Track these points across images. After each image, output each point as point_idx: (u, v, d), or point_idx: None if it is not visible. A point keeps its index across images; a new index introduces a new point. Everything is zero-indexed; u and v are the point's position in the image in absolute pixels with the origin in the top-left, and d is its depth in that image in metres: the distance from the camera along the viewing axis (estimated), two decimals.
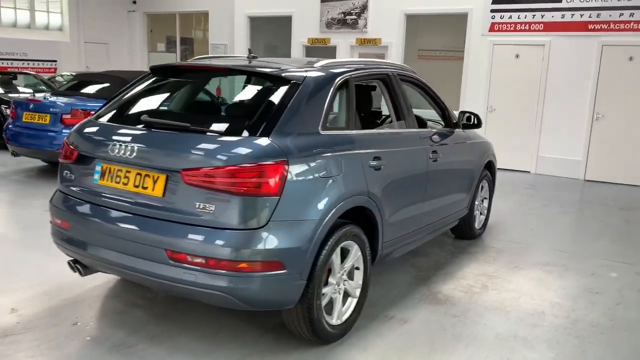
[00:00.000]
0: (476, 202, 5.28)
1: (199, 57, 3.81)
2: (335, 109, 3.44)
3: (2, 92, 10.27)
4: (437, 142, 4.32)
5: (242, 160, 2.64)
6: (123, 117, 3.22)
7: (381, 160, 3.43)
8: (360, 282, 3.37)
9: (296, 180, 2.77)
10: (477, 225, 5.42)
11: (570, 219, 6.52)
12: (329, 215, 2.91)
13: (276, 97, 2.99)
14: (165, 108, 3.24)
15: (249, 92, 3.26)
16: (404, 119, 3.96)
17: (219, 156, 2.67)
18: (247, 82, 3.26)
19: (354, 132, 3.32)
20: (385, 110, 4.27)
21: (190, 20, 16.81)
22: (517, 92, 9.39)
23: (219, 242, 2.63)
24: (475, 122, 4.81)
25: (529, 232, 5.82)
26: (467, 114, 4.78)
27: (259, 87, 3.27)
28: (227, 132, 2.80)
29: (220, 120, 3.03)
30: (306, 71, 3.18)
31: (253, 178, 2.63)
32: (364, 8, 10.59)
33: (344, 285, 3.23)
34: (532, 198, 7.59)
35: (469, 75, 9.83)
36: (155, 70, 3.53)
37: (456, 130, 4.76)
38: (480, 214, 5.52)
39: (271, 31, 12.65)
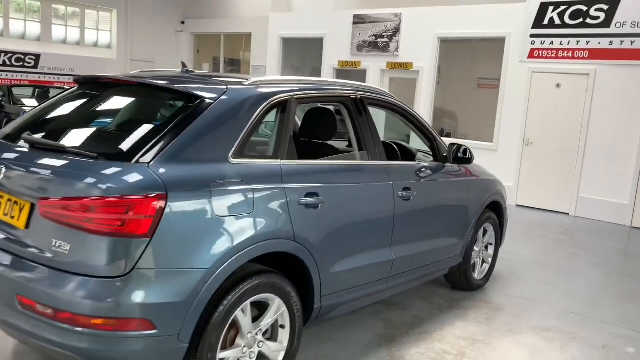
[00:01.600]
0: (476, 249, 4.57)
1: (140, 71, 3.41)
2: (270, 134, 2.92)
3: (37, 104, 10.43)
4: (414, 178, 3.70)
5: (103, 192, 2.16)
6: (17, 134, 2.83)
7: (319, 198, 2.86)
8: (286, 343, 2.80)
9: (178, 219, 2.27)
10: (477, 275, 4.69)
11: (599, 273, 5.63)
12: (227, 264, 2.38)
13: (175, 117, 2.51)
14: (61, 124, 2.84)
15: (149, 109, 2.81)
16: (366, 149, 3.38)
17: (78, 185, 2.21)
18: (154, 98, 2.82)
19: (282, 162, 2.78)
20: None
21: (237, 42, 16.84)
22: (557, 125, 8.51)
23: (71, 290, 2.15)
24: (467, 156, 4.14)
25: (542, 286, 5.00)
26: (457, 147, 4.12)
27: (163, 105, 2.81)
28: (102, 156, 2.34)
29: (106, 141, 2.59)
30: (226, 88, 2.69)
31: (115, 214, 2.14)
32: (396, 31, 10.06)
33: (260, 347, 2.67)
34: (562, 245, 6.70)
35: (504, 105, 9.03)
36: (80, 81, 3.15)
37: (447, 165, 4.11)
38: (483, 262, 4.78)
39: (303, 53, 12.33)
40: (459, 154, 4.15)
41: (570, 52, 8.30)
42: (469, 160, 4.15)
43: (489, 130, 9.25)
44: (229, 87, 2.72)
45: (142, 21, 16.35)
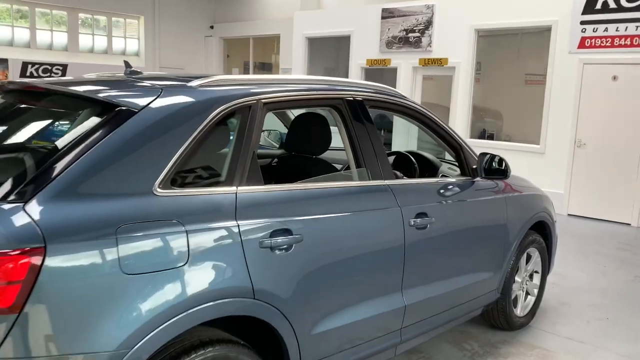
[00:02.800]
0: (517, 279, 3.73)
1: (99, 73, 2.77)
2: (226, 150, 2.21)
3: None
4: (433, 200, 2.91)
5: None
6: None
7: (292, 236, 2.13)
8: None
9: (64, 283, 1.58)
10: (520, 311, 3.84)
11: None
12: (143, 342, 1.68)
13: (78, 135, 1.82)
14: None
15: (50, 125, 2.13)
16: (365, 165, 2.62)
17: None
18: (62, 109, 2.15)
19: (239, 189, 2.06)
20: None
21: (268, 45, 16.28)
22: (614, 124, 7.46)
23: None
24: (501, 167, 3.31)
25: (602, 322, 4.09)
26: (489, 157, 3.29)
27: (69, 118, 2.13)
28: None
29: None
30: (160, 92, 2.00)
31: None
32: (429, 24, 9.19)
33: None
34: (624, 264, 5.70)
35: (552, 102, 8.03)
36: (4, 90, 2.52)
37: (478, 180, 3.29)
38: (527, 294, 3.93)
39: (330, 53, 11.60)
40: (492, 166, 3.32)
41: (629, 39, 7.24)
42: (505, 173, 3.31)
43: (536, 131, 8.26)
44: (164, 90, 2.03)
45: (170, 27, 16.02)
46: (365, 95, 2.76)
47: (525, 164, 7.87)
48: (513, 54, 9.03)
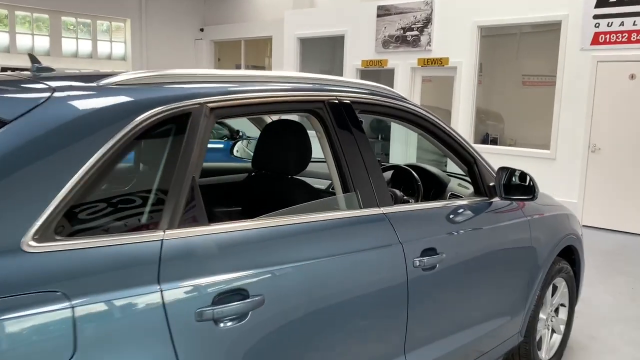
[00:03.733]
0: (542, 316, 3.10)
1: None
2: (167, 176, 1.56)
3: None
4: (443, 230, 2.27)
5: None
6: None
7: (247, 300, 1.49)
8: None
9: None
10: (545, 353, 3.20)
11: None
12: None
13: None
14: None
15: None
16: (354, 188, 1.98)
17: None
18: None
19: (166, 235, 1.42)
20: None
21: (261, 47, 15.66)
22: (633, 126, 6.83)
23: None
24: (527, 184, 2.64)
25: None
26: (509, 172, 2.63)
27: None
28: None
29: None
30: (49, 96, 1.36)
31: None
32: (428, 21, 8.57)
33: None
34: None
35: (563, 104, 7.41)
36: None
37: (495, 200, 2.65)
38: (553, 332, 3.29)
39: (324, 54, 10.98)
40: (513, 181, 2.66)
41: None
42: (532, 193, 2.62)
43: (545, 135, 7.64)
44: (55, 92, 1.39)
45: (159, 30, 15.39)
46: (353, 96, 2.12)
47: (535, 171, 7.22)
48: (518, 52, 8.41)
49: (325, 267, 1.74)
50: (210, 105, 1.62)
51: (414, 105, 2.41)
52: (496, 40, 8.47)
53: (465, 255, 2.34)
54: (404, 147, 8.50)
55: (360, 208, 1.98)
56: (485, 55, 8.35)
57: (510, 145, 8.37)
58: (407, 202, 2.78)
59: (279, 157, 2.14)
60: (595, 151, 7.14)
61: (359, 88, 2.22)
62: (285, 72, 2.03)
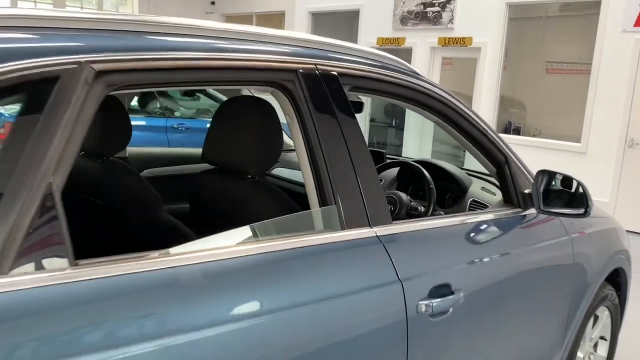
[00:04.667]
0: (579, 355, 2.46)
1: None
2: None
3: None
4: (460, 257, 1.63)
5: None
6: None
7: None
8: None
9: None
10: None
11: None
12: None
13: None
14: None
15: None
16: (335, 198, 1.35)
17: None
18: None
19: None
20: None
21: (272, 22, 14.96)
22: None
23: None
24: (574, 195, 1.97)
25: None
26: (548, 176, 1.96)
27: None
28: None
29: None
30: None
31: None
32: None
33: None
34: None
35: (597, 93, 6.66)
36: None
37: (530, 212, 2.00)
38: None
39: (338, 31, 10.25)
40: (553, 185, 2.00)
41: None
42: (585, 207, 1.94)
43: (576, 127, 6.91)
44: None
45: (167, 3, 14.75)
46: (343, 66, 1.49)
47: (562, 166, 6.53)
48: (544, 38, 7.63)
49: (287, 323, 1.12)
50: (96, 66, 1.00)
51: (431, 84, 1.76)
52: (521, 24, 7.70)
53: (490, 291, 1.71)
54: (418, 137, 7.82)
55: (343, 228, 1.35)
56: (509, 39, 7.59)
57: (534, 135, 7.66)
58: (416, 209, 2.15)
59: (232, 150, 1.52)
60: (633, 146, 6.39)
61: (353, 55, 1.58)
62: (243, 26, 1.40)
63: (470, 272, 1.63)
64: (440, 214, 2.16)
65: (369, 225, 1.41)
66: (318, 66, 1.43)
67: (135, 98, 6.34)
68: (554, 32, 7.53)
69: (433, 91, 1.72)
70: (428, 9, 8.09)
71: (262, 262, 1.17)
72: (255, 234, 1.24)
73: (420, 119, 7.75)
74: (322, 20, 10.01)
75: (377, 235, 1.41)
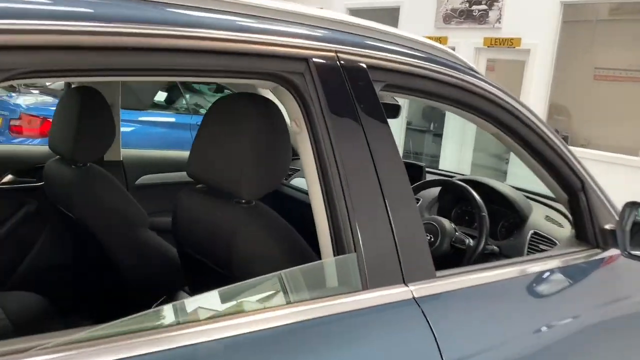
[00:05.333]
0: None
1: None
2: None
3: None
4: (521, 324, 1.20)
5: None
6: None
7: None
8: None
9: None
10: None
11: None
12: None
13: None
14: None
15: None
16: (354, 243, 0.94)
17: None
18: None
19: None
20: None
21: None
22: None
23: None
24: None
25: None
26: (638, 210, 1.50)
27: None
28: None
29: None
30: None
31: None
32: None
33: None
34: None
35: None
36: None
37: (612, 255, 1.54)
38: None
39: None
40: (636, 218, 1.54)
41: None
42: None
43: (630, 137, 6.31)
44: None
45: None
46: (374, 56, 1.08)
47: (620, 181, 5.93)
48: (593, 43, 7.02)
49: None
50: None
51: (495, 87, 1.33)
52: (571, 26, 7.13)
53: None
54: (458, 147, 7.29)
55: (365, 288, 0.94)
56: (559, 42, 7.04)
57: (582, 146, 7.07)
58: (463, 242, 1.72)
59: (220, 166, 1.13)
60: None
61: (390, 42, 1.17)
62: None
63: (536, 343, 1.19)
64: (493, 250, 1.72)
65: (403, 282, 0.99)
66: (339, 54, 1.03)
67: (160, 93, 6.06)
68: (604, 36, 6.96)
69: (498, 96, 1.29)
70: (474, 7, 7.60)
71: (240, 345, 0.78)
72: (236, 299, 0.85)
73: (460, 124, 7.24)
74: (363, 17, 9.61)
75: (414, 297, 0.99)
